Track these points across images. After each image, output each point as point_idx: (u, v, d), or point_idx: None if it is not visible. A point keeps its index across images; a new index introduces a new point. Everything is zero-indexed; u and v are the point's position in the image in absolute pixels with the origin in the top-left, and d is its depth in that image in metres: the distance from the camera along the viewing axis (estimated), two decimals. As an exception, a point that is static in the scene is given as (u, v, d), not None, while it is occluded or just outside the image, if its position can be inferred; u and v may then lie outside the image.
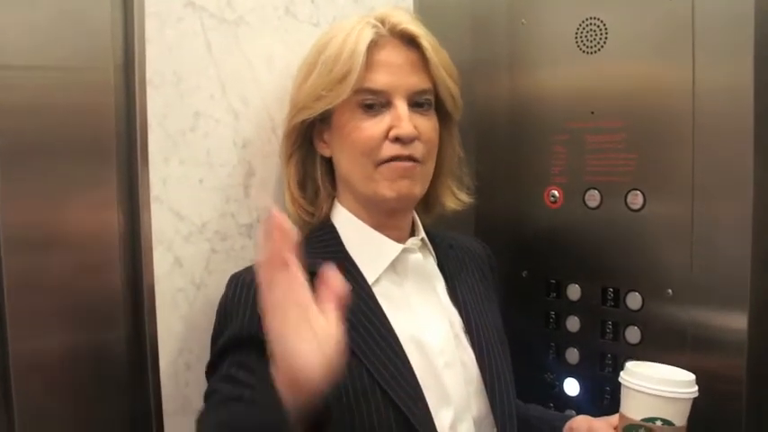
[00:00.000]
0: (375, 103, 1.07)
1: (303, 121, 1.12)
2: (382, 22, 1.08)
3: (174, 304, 1.11)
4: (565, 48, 1.36)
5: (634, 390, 1.00)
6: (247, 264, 1.13)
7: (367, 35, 1.05)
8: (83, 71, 1.01)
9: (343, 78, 1.04)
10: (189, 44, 1.11)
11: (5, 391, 0.94)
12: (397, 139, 1.05)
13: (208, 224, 1.15)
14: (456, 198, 1.22)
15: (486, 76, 1.48)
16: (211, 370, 1.02)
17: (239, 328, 0.99)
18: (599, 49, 1.31)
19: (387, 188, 1.07)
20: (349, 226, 1.13)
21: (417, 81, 1.09)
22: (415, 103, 1.08)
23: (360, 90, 1.05)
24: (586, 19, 1.32)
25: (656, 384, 0.98)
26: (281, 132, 1.23)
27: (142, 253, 1.05)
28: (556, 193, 1.39)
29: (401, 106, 1.06)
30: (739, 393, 1.17)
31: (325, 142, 1.14)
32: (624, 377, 1.02)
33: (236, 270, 1.09)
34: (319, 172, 1.17)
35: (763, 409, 1.20)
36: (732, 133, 1.16)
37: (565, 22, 1.35)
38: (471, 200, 1.24)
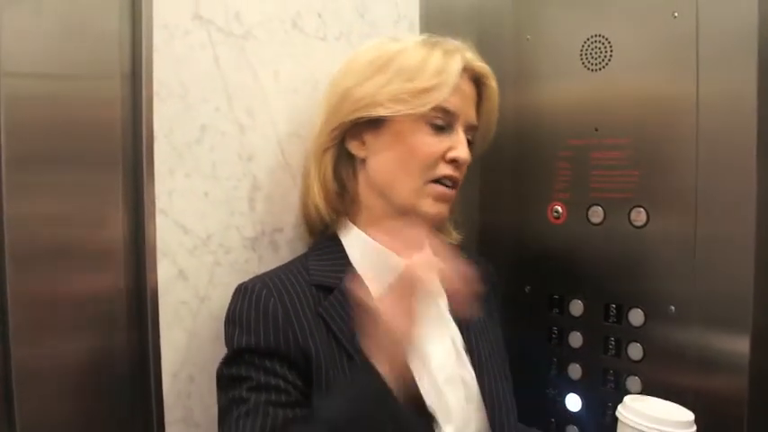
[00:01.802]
0: (444, 124, 1.10)
1: (360, 118, 1.11)
2: (461, 53, 1.12)
3: (178, 317, 1.10)
4: (570, 64, 1.36)
5: (630, 426, 0.99)
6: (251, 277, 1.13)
7: (459, 61, 1.10)
8: (90, 81, 1.01)
9: (429, 91, 1.08)
10: (196, 57, 1.11)
11: (8, 400, 0.94)
12: (452, 161, 1.10)
13: (212, 237, 1.15)
14: (451, 237, 1.27)
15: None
16: (227, 373, 1.02)
17: (259, 341, 1.00)
18: (604, 67, 1.31)
19: (430, 206, 1.11)
20: (357, 242, 1.14)
21: (473, 116, 1.16)
22: (466, 136, 1.14)
23: (437, 107, 1.09)
24: (591, 36, 1.33)
25: (654, 423, 0.97)
26: (286, 145, 1.23)
27: (146, 265, 1.06)
28: (559, 208, 1.39)
29: (461, 133, 1.12)
30: (741, 410, 1.16)
31: (363, 143, 1.14)
32: (622, 412, 1.02)
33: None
34: (351, 172, 1.17)
35: (766, 424, 1.19)
36: (735, 151, 1.16)
37: (570, 39, 1.36)
38: (461, 237, 1.28)
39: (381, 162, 1.13)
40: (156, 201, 1.07)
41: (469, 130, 1.15)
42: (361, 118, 1.11)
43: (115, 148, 1.03)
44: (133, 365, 1.06)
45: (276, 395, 0.98)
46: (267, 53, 1.21)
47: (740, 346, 1.16)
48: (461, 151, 1.10)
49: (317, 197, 1.16)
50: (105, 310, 1.03)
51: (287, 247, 1.25)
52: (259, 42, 1.20)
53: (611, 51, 1.30)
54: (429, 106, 1.08)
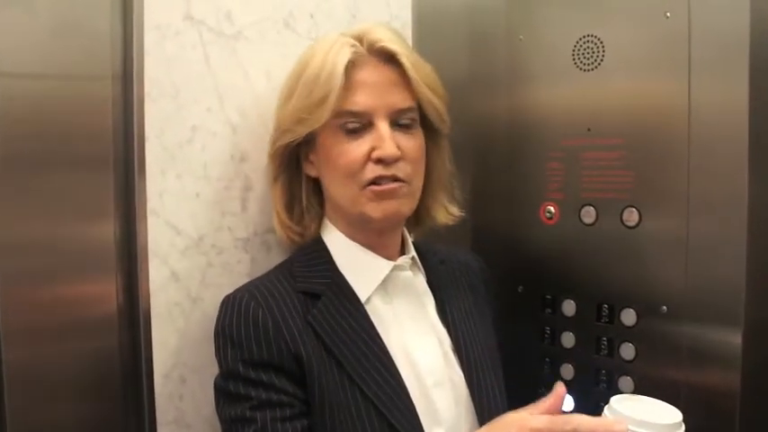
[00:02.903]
0: (357, 125, 1.05)
1: (287, 144, 1.10)
2: (360, 40, 1.06)
3: (170, 318, 1.10)
4: (562, 65, 1.36)
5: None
6: (244, 278, 1.14)
7: (344, 55, 1.03)
8: (81, 82, 1.01)
9: (323, 102, 1.03)
10: (187, 57, 1.11)
11: (-1, 403, 0.93)
12: (379, 161, 1.04)
13: (204, 238, 1.15)
14: (447, 212, 1.21)
15: (483, 91, 1.48)
16: (226, 389, 1.01)
17: (252, 355, 1.00)
18: (596, 67, 1.31)
19: (373, 209, 1.06)
20: (339, 244, 1.13)
21: (399, 100, 1.07)
22: (399, 123, 1.07)
23: (340, 112, 1.04)
24: (584, 36, 1.32)
25: (640, 427, 0.94)
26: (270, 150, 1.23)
27: (138, 266, 1.05)
28: (552, 209, 1.39)
29: (383, 127, 1.05)
30: (733, 410, 1.16)
31: (311, 163, 1.13)
32: (607, 415, 1.00)
33: (232, 284, 1.10)
34: (305, 193, 1.16)
35: (758, 425, 1.20)
36: (727, 151, 1.16)
37: (562, 39, 1.36)
38: (462, 213, 1.23)
39: (324, 179, 1.12)
40: (148, 201, 1.07)
41: (402, 114, 1.07)
42: (289, 143, 1.10)
43: (106, 148, 1.03)
44: (125, 367, 1.06)
45: (281, 411, 0.98)
46: (259, 53, 1.21)
47: (732, 346, 1.16)
48: (384, 148, 1.03)
49: (275, 223, 1.17)
50: (97, 311, 1.03)
51: (279, 248, 1.25)
52: (251, 43, 1.20)
53: (604, 51, 1.30)
54: (325, 118, 1.03)
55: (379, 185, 1.05)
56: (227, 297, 1.06)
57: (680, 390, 1.20)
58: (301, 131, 1.07)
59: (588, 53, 1.32)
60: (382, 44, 1.06)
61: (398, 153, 1.04)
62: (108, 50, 1.03)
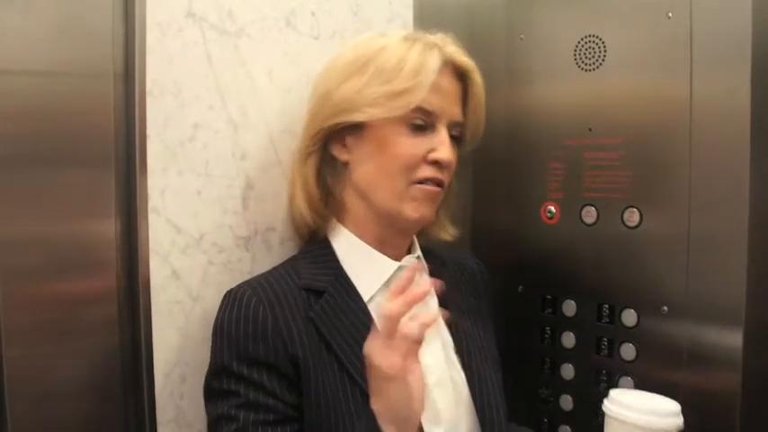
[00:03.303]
0: (424, 124, 1.07)
1: (339, 123, 1.10)
2: (441, 48, 1.09)
3: (171, 316, 1.10)
4: (563, 64, 1.36)
5: (617, 419, 0.99)
6: (245, 277, 1.13)
7: (437, 56, 1.07)
8: (83, 79, 1.00)
9: (406, 93, 1.05)
10: (189, 55, 1.11)
11: (-1, 402, 0.93)
12: (435, 163, 1.07)
13: (205, 236, 1.14)
14: (446, 231, 1.25)
15: (484, 91, 1.48)
16: (215, 386, 1.02)
17: (248, 352, 1.00)
18: (597, 67, 1.32)
19: (413, 210, 1.08)
20: (346, 243, 1.13)
21: (458, 113, 1.12)
22: (451, 134, 1.10)
23: (416, 108, 1.06)
24: (585, 36, 1.33)
25: (641, 414, 0.96)
26: (279, 144, 1.22)
27: (139, 264, 1.05)
28: (552, 208, 1.39)
29: (444, 132, 1.08)
30: (734, 410, 1.17)
31: (345, 146, 1.13)
32: (608, 405, 1.01)
33: (233, 282, 1.09)
34: (335, 176, 1.15)
35: (759, 425, 1.20)
36: (729, 152, 1.16)
37: (564, 39, 1.36)
38: (457, 234, 1.26)
39: (364, 166, 1.11)
40: (149, 199, 1.06)
41: (455, 127, 1.12)
42: (340, 123, 1.09)
43: (108, 146, 1.02)
44: (125, 365, 1.05)
45: (265, 414, 0.98)
46: (260, 51, 1.21)
47: (733, 346, 1.16)
48: (443, 152, 1.07)
49: (301, 203, 1.15)
50: (97, 308, 1.02)
51: (280, 247, 1.24)
52: (252, 40, 1.19)
53: (605, 51, 1.30)
54: (406, 109, 1.05)
55: (427, 186, 1.08)
56: (230, 291, 1.06)
57: (680, 390, 1.20)
58: (374, 114, 1.06)
59: (590, 53, 1.32)
60: (461, 58, 1.11)
61: (453, 160, 1.09)
62: (109, 48, 1.02)
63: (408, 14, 1.47)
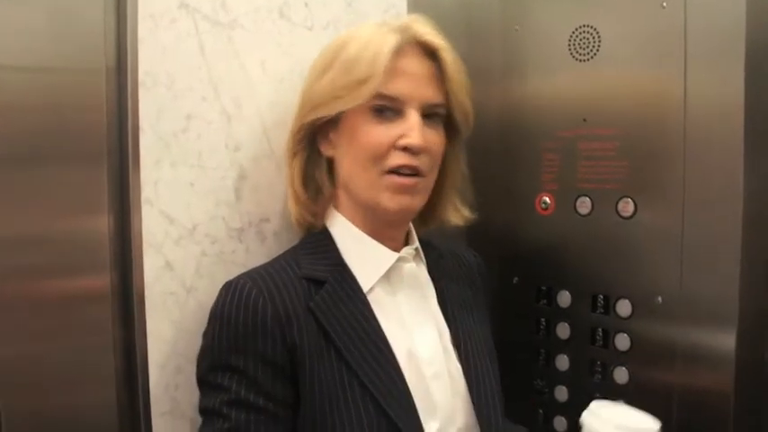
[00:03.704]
0: (388, 109, 1.06)
1: (314, 120, 1.10)
2: (406, 30, 1.07)
3: (165, 308, 1.10)
4: (558, 55, 1.36)
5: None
6: (239, 268, 1.13)
7: (391, 41, 1.04)
8: (74, 72, 1.00)
9: (364, 81, 1.03)
10: (182, 46, 1.10)
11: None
12: (405, 149, 1.05)
13: (198, 227, 1.14)
14: (459, 213, 1.23)
15: (479, 82, 1.46)
16: (210, 379, 1.02)
17: (247, 344, 1.00)
18: (592, 57, 1.31)
19: (388, 200, 1.06)
20: (345, 233, 1.13)
21: (432, 94, 1.08)
22: (427, 115, 1.08)
23: (376, 95, 1.04)
24: (580, 27, 1.32)
25: (620, 430, 0.96)
26: (272, 135, 1.22)
27: (132, 256, 1.05)
28: (547, 199, 1.39)
29: (414, 116, 1.05)
30: (728, 400, 1.17)
31: (329, 142, 1.13)
32: (587, 418, 1.01)
33: (226, 273, 1.10)
34: (322, 172, 1.16)
35: (751, 420, 1.20)
36: (722, 143, 1.16)
37: (558, 29, 1.36)
38: (473, 216, 1.24)
39: (343, 159, 1.11)
40: (142, 191, 1.06)
41: (432, 109, 1.08)
42: (315, 120, 1.10)
43: (101, 138, 1.02)
44: (120, 357, 1.05)
45: (256, 414, 0.98)
46: (254, 42, 1.20)
47: (727, 335, 1.17)
48: (413, 137, 1.04)
49: (290, 201, 1.16)
50: (90, 300, 1.02)
51: (273, 238, 1.24)
52: (246, 31, 1.19)
53: (600, 42, 1.30)
54: (364, 98, 1.03)
55: (400, 177, 1.05)
56: (229, 282, 1.06)
57: (675, 379, 1.21)
58: (336, 108, 1.07)
59: (584, 43, 1.32)
60: (428, 37, 1.08)
61: (425, 144, 1.05)
62: (101, 39, 1.02)
63: (402, 5, 1.46)
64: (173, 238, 1.11)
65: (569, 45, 1.34)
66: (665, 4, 1.21)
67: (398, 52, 1.05)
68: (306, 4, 1.28)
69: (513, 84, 1.45)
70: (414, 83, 1.06)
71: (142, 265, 1.06)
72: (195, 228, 1.13)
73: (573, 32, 1.34)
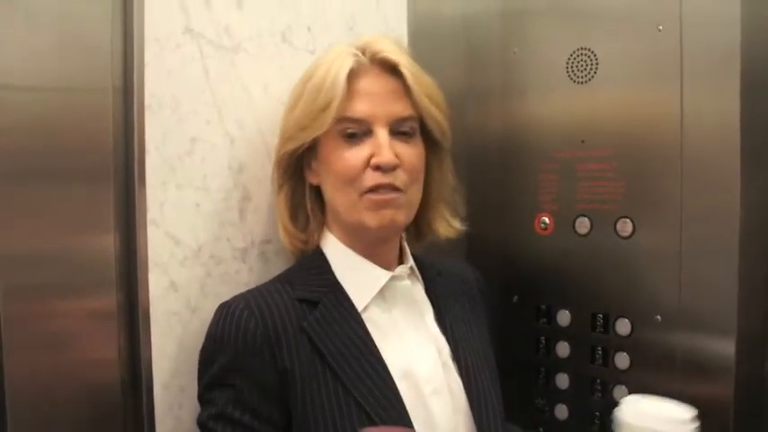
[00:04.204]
0: (356, 131, 1.07)
1: (291, 151, 1.12)
2: (363, 50, 1.09)
3: (169, 327, 1.11)
4: (556, 77, 1.38)
5: (635, 425, 0.98)
6: (243, 288, 1.14)
7: (347, 64, 1.06)
8: (81, 94, 1.01)
9: (325, 108, 1.05)
10: (187, 70, 1.12)
11: (0, 413, 0.93)
12: (377, 168, 1.05)
13: (203, 248, 1.15)
14: (450, 226, 1.22)
15: (478, 104, 1.50)
16: (205, 396, 1.04)
17: (239, 366, 1.01)
18: (590, 79, 1.33)
19: (370, 218, 1.06)
20: (338, 253, 1.13)
21: (399, 109, 1.08)
22: (398, 132, 1.08)
23: (341, 119, 1.06)
24: (578, 49, 1.34)
25: (656, 422, 0.95)
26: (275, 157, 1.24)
27: (138, 276, 1.05)
28: (546, 219, 1.41)
29: (381, 134, 1.06)
30: (727, 419, 1.17)
31: (313, 170, 1.15)
32: (623, 411, 1.00)
33: (230, 293, 1.10)
34: (309, 201, 1.17)
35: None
36: (720, 162, 1.18)
37: (556, 52, 1.38)
38: (465, 228, 1.24)
39: (325, 185, 1.13)
40: (148, 212, 1.07)
41: (401, 122, 1.08)
42: (295, 150, 1.12)
43: (107, 160, 1.03)
44: (124, 376, 1.06)
45: (242, 431, 1.00)
46: (257, 66, 1.22)
47: (726, 354, 1.17)
48: (382, 155, 1.04)
49: (281, 231, 1.18)
50: (95, 320, 1.03)
51: (276, 258, 1.26)
52: (249, 55, 1.21)
53: (597, 64, 1.32)
54: (327, 124, 1.05)
55: (377, 194, 1.06)
56: (223, 304, 1.07)
57: (675, 397, 1.20)
58: (305, 138, 1.09)
59: (582, 66, 1.34)
60: (384, 54, 1.08)
61: (396, 160, 1.05)
62: (108, 62, 1.03)
63: (403, 29, 1.48)
64: (178, 258, 1.12)
65: (567, 67, 1.36)
66: (661, 27, 1.23)
67: (356, 74, 1.07)
68: (308, 29, 1.30)
69: (512, 105, 1.46)
70: (376, 101, 1.07)
71: (147, 285, 1.07)
72: (200, 249, 1.15)
73: (571, 55, 1.35)
